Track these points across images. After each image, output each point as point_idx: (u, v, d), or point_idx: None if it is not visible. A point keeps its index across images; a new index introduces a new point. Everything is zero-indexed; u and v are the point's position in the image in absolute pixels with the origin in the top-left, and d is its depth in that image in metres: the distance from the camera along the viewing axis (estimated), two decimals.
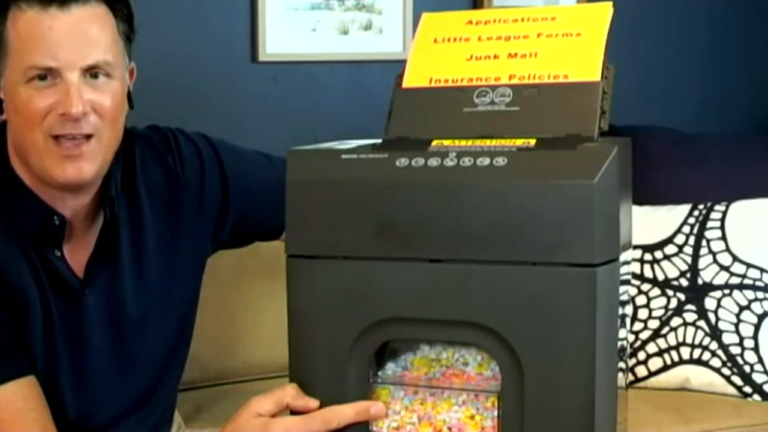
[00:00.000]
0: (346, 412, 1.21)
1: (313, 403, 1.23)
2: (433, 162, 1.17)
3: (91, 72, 1.43)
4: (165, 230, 1.58)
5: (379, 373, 1.25)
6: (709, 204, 2.32)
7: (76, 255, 1.53)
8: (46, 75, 1.41)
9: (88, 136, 1.43)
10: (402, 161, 1.18)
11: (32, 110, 1.41)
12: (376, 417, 1.21)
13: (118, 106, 1.47)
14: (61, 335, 1.51)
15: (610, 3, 1.28)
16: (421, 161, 1.18)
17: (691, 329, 2.23)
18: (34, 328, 1.49)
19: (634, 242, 1.34)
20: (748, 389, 2.20)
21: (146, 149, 1.59)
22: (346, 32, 2.60)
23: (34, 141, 1.43)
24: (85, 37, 1.42)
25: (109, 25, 1.45)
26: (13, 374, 1.46)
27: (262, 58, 2.52)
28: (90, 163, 1.44)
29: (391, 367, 1.25)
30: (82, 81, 1.42)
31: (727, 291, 2.24)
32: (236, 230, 1.67)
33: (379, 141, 1.26)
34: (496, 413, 1.20)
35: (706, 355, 2.22)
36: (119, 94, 1.47)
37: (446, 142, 1.21)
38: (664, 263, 2.28)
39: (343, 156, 1.22)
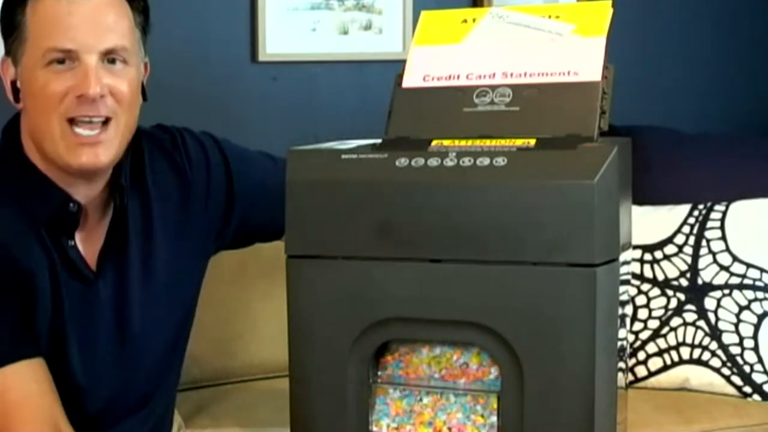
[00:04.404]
0: None
1: None
2: (433, 162, 1.17)
3: (109, 57, 1.45)
4: (172, 226, 1.59)
5: (379, 373, 1.25)
6: (709, 204, 2.32)
7: (88, 246, 1.54)
8: (64, 59, 1.43)
9: (106, 121, 1.45)
10: (402, 161, 1.18)
11: (49, 93, 1.43)
12: None
13: (134, 93, 1.49)
14: (72, 327, 1.51)
15: (610, 2, 1.28)
16: (421, 161, 1.18)
17: (691, 329, 2.23)
18: (42, 318, 1.49)
19: (634, 242, 1.34)
20: (748, 389, 2.20)
21: (153, 146, 1.60)
22: (346, 32, 2.60)
23: (50, 126, 1.44)
24: (103, 22, 1.45)
25: (126, 14, 1.48)
26: (25, 353, 1.45)
27: (262, 58, 2.52)
28: (106, 150, 1.46)
29: (391, 367, 1.25)
30: (100, 65, 1.44)
31: (727, 291, 2.23)
32: (240, 230, 1.68)
33: (379, 141, 1.26)
34: (496, 413, 1.20)
35: (706, 355, 2.22)
36: (135, 82, 1.49)
37: (446, 142, 1.21)
38: (664, 263, 2.28)
39: (343, 156, 1.22)
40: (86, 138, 1.44)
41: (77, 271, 1.51)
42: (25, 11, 1.45)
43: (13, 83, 1.49)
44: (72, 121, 1.44)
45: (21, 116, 1.52)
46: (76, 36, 1.43)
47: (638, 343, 2.25)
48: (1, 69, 1.51)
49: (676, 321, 2.25)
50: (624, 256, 1.21)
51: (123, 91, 1.46)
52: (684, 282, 2.26)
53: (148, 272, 1.57)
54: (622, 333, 1.22)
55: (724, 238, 2.27)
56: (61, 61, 1.43)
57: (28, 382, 1.44)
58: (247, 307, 2.29)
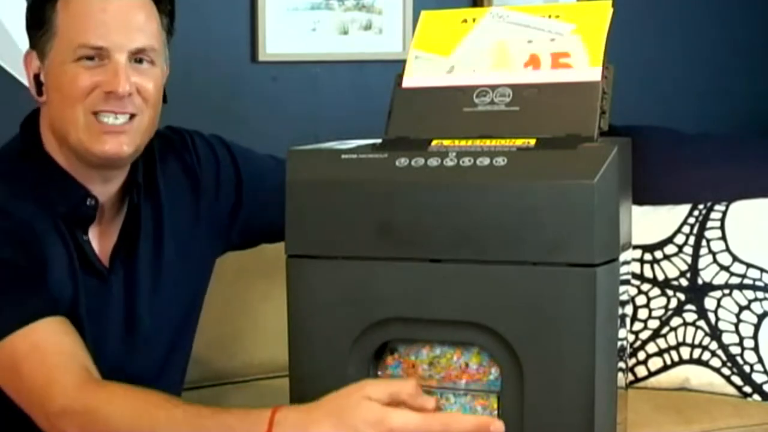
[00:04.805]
0: (467, 421, 1.18)
1: (430, 403, 1.20)
2: (433, 162, 1.17)
3: (137, 57, 1.48)
4: (181, 227, 1.60)
5: (379, 373, 1.25)
6: (709, 204, 2.32)
7: (101, 243, 1.54)
8: (94, 56, 1.45)
9: (131, 117, 1.47)
10: (402, 161, 1.18)
11: (77, 86, 1.45)
12: None
13: (159, 93, 1.52)
14: (87, 321, 1.51)
15: (610, 2, 1.28)
16: (421, 161, 1.18)
17: (691, 329, 2.23)
18: (62, 308, 1.48)
19: (634, 242, 1.34)
20: (748, 389, 2.20)
21: (164, 146, 1.62)
22: (346, 32, 2.59)
23: (75, 116, 1.46)
24: (134, 22, 1.47)
25: (155, 16, 1.51)
26: (52, 312, 1.43)
27: (262, 58, 2.52)
28: (129, 140, 1.47)
29: (391, 368, 1.25)
30: (128, 64, 1.46)
31: (727, 291, 2.23)
32: (247, 230, 1.68)
33: (379, 141, 1.26)
34: (496, 413, 1.20)
35: (706, 355, 2.22)
36: (160, 82, 1.52)
37: (446, 142, 1.21)
38: (664, 263, 2.28)
39: (343, 156, 1.22)
40: (111, 127, 1.46)
41: (91, 265, 1.52)
42: (56, 7, 1.47)
43: (36, 76, 1.50)
44: (96, 114, 1.46)
45: (40, 111, 1.54)
46: (107, 33, 1.45)
47: (638, 343, 2.25)
48: (25, 62, 1.53)
49: (676, 321, 2.25)
50: (624, 256, 1.21)
51: (149, 90, 1.48)
52: (684, 282, 2.26)
53: (157, 272, 1.58)
54: (622, 333, 1.22)
55: (724, 238, 2.27)
56: (90, 58, 1.45)
57: (59, 333, 1.43)
58: (248, 307, 2.29)
